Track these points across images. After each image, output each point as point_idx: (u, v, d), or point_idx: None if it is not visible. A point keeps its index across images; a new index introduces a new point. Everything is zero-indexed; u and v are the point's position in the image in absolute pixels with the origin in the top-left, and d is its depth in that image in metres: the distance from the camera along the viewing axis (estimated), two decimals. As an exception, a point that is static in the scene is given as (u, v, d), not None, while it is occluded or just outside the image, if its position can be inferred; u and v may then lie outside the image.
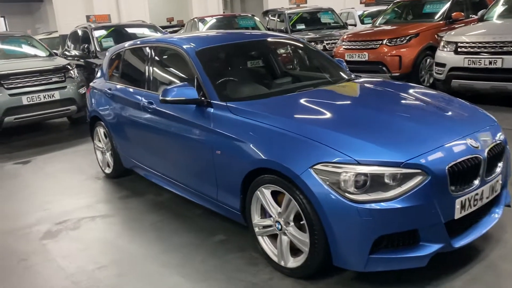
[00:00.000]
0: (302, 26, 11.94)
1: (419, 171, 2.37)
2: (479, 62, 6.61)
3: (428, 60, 8.63)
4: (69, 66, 7.37)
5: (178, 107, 3.42)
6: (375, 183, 2.36)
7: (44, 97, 6.78)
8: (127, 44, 4.60)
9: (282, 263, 2.78)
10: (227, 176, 3.05)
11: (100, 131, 4.81)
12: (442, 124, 2.82)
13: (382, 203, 2.33)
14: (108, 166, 4.87)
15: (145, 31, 9.52)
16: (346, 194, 2.36)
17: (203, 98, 3.26)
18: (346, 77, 3.83)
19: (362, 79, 3.78)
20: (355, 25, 13.24)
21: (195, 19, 12.31)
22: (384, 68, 8.51)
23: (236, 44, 3.95)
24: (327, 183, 2.40)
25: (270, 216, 2.82)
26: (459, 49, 6.89)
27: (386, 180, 2.36)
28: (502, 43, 6.38)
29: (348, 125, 2.75)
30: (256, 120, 2.89)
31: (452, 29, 9.21)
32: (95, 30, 9.04)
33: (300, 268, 2.67)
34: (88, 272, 3.02)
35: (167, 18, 19.61)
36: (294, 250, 2.73)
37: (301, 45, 4.19)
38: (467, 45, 6.79)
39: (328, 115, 2.95)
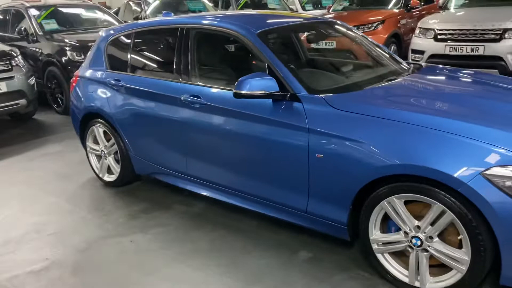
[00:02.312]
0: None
1: None
2: (460, 49, 6.70)
3: (393, 47, 8.68)
4: (13, 53, 6.17)
5: (244, 102, 2.82)
6: None
7: (-13, 90, 5.59)
8: (137, 24, 3.80)
9: (417, 284, 2.38)
10: (330, 184, 2.55)
11: (99, 131, 3.97)
12: None
13: None
14: (110, 172, 4.04)
15: (90, 13, 8.38)
16: None
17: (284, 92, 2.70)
18: (405, 64, 3.47)
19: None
20: (296, 11, 13.03)
21: (130, 2, 11.25)
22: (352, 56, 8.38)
23: (294, 26, 3.39)
24: (505, 189, 2.03)
25: (398, 230, 2.40)
26: (439, 36, 6.92)
27: None
28: (483, 30, 6.50)
29: (482, 118, 2.39)
30: (375, 115, 2.42)
31: (411, 17, 9.41)
32: (30, 9, 7.71)
33: (448, 289, 2.29)
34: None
35: (99, 2, 17.78)
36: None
37: (350, 31, 3.74)
38: (447, 32, 6.84)
39: (450, 107, 2.56)
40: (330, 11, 10.08)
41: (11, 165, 4.84)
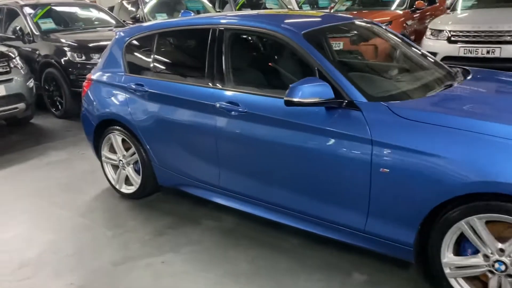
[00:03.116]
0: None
1: None
2: (476, 51, 6.56)
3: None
4: (11, 54, 5.81)
5: (292, 111, 2.57)
6: None
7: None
8: (160, 24, 3.50)
9: (497, 312, 2.15)
10: (396, 202, 2.31)
11: (117, 139, 3.66)
12: None
13: None
14: (128, 183, 3.74)
15: (86, 12, 8.03)
16: None
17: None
18: (448, 68, 3.24)
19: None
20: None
21: (123, 2, 10.91)
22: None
23: (339, 27, 3.14)
24: None
25: (475, 252, 2.17)
26: (452, 38, 6.76)
27: None
28: (499, 32, 6.37)
29: None
30: (450, 125, 2.18)
31: (416, 18, 9.26)
32: (25, 8, 7.32)
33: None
34: None
35: (90, 1, 17.28)
36: None
37: (388, 33, 3.50)
38: (461, 33, 6.69)
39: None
40: (332, 11, 9.88)
41: (15, 176, 4.49)
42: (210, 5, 10.28)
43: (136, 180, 3.65)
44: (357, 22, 3.33)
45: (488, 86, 2.93)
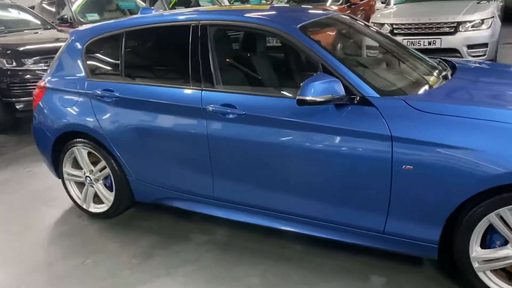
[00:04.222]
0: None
1: None
2: (418, 43, 6.79)
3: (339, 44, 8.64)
4: None
5: (299, 110, 2.39)
6: None
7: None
8: (127, 22, 3.14)
9: (529, 301, 2.14)
10: (420, 200, 2.22)
11: (82, 153, 3.25)
12: None
13: None
14: (97, 201, 3.35)
15: (10, 14, 7.24)
16: None
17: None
18: (432, 61, 3.23)
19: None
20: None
21: (43, 3, 10.15)
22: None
23: (328, 20, 3.00)
24: None
25: (504, 244, 2.14)
26: (395, 31, 6.96)
27: None
28: (438, 23, 6.65)
29: None
30: (473, 116, 2.12)
31: (352, 13, 9.47)
32: None
33: None
34: None
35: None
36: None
37: (368, 27, 3.42)
38: (403, 26, 6.91)
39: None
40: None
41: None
42: (143, 3, 9.76)
43: (108, 197, 3.27)
44: (338, 16, 3.22)
45: (482, 75, 2.95)
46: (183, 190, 2.97)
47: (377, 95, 2.31)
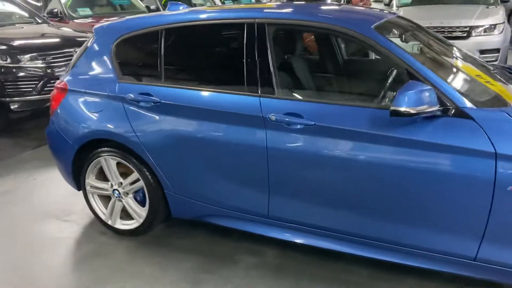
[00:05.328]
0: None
1: None
2: (430, 47, 6.64)
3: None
4: None
5: (380, 122, 2.13)
6: None
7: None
8: (165, 18, 2.80)
9: None
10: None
11: (110, 163, 2.90)
12: None
13: None
14: (124, 217, 3.01)
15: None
16: None
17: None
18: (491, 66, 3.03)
19: None
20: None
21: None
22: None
23: (397, 20, 2.74)
24: None
25: None
26: (405, 34, 6.78)
27: None
28: (451, 27, 6.52)
29: None
30: None
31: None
32: None
33: None
34: None
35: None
36: None
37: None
38: (414, 29, 6.74)
39: None
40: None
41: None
42: (137, -1, 9.34)
43: (140, 213, 2.93)
44: (399, 18, 2.96)
45: None
46: (231, 207, 2.66)
47: (474, 107, 2.06)
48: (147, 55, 2.87)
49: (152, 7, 10.02)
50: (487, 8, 6.97)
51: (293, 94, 2.40)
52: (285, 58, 2.52)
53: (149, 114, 2.70)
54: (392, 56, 2.20)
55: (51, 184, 3.87)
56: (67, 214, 3.36)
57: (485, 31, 6.45)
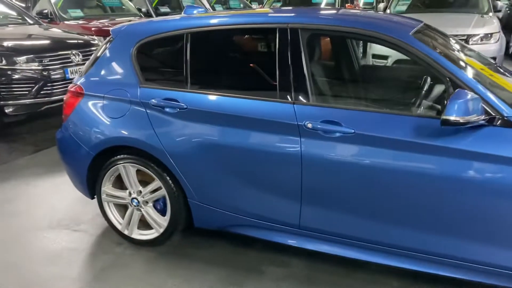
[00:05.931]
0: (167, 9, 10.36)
1: None
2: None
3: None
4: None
5: (424, 130, 2.10)
6: None
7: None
8: (189, 21, 2.71)
9: None
10: None
11: (130, 171, 2.78)
12: None
13: None
14: (141, 227, 2.89)
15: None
16: None
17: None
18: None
19: None
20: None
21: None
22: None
23: (427, 28, 2.71)
24: None
25: None
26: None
27: None
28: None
29: None
30: None
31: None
32: None
33: None
34: None
35: None
36: None
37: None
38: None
39: None
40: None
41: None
42: (128, 0, 9.18)
43: (160, 222, 2.82)
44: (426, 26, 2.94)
45: None
46: (260, 217, 2.58)
47: (513, 113, 2.04)
48: (171, 59, 2.78)
49: (143, 9, 9.88)
50: (481, 17, 7.08)
51: (329, 101, 2.34)
52: (319, 64, 2.45)
53: (175, 120, 2.60)
54: (434, 64, 2.17)
55: (54, 192, 3.72)
56: (76, 223, 3.22)
57: (481, 39, 6.54)
